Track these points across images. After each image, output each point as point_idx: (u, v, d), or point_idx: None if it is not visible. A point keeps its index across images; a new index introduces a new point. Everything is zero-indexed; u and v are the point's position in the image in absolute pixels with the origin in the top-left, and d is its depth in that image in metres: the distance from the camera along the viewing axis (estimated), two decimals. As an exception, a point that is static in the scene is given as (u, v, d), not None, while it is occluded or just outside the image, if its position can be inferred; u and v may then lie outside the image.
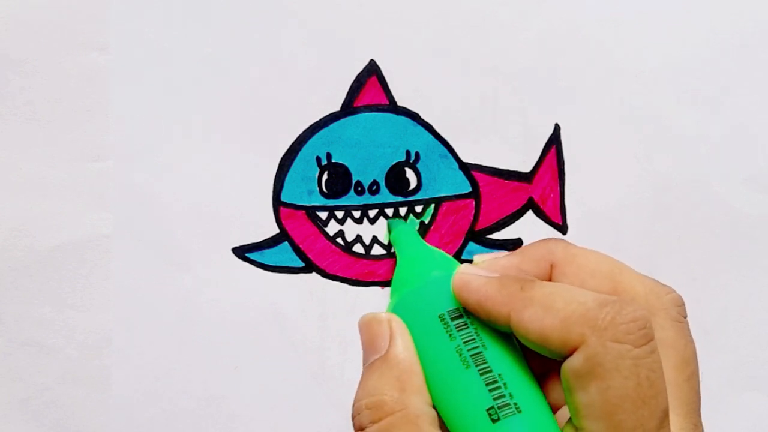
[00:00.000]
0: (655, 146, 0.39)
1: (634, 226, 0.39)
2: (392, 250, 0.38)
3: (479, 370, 0.27)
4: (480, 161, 0.39)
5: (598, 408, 0.24)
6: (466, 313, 0.28)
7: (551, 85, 0.39)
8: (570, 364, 0.24)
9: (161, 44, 0.37)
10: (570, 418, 0.25)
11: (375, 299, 0.38)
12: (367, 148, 0.38)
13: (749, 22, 0.39)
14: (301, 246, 0.38)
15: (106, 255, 0.37)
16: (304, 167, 0.38)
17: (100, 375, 0.37)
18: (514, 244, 0.39)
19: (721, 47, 0.39)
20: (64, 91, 0.37)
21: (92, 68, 0.37)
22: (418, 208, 0.39)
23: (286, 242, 0.38)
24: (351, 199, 0.38)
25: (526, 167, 0.39)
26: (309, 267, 0.38)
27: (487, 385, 0.26)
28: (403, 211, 0.38)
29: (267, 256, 0.38)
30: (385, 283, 0.38)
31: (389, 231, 0.38)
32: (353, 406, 0.27)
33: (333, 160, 0.38)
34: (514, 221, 0.39)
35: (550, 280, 0.30)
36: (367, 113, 0.38)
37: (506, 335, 0.28)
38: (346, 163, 0.38)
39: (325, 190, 0.38)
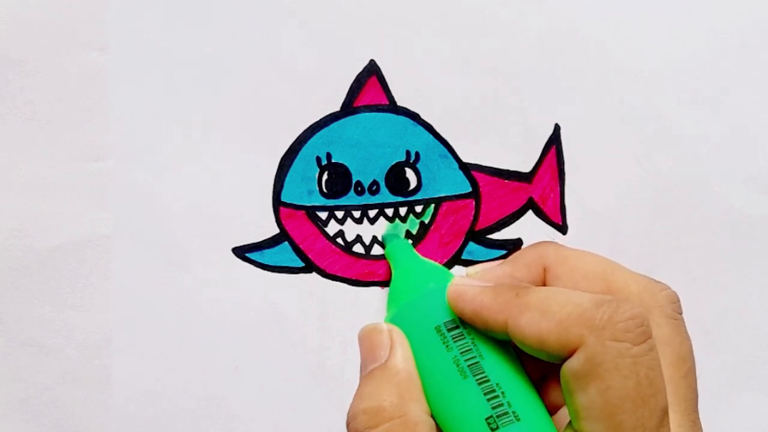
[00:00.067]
0: (655, 146, 0.39)
1: (634, 226, 0.39)
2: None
3: (477, 379, 0.27)
4: (480, 161, 0.39)
5: (599, 409, 0.24)
6: (462, 323, 0.28)
7: (551, 85, 0.39)
8: (569, 366, 0.24)
9: (161, 44, 0.37)
10: (569, 422, 0.25)
11: (375, 299, 0.38)
12: (367, 148, 0.38)
13: (749, 22, 0.39)
14: (301, 246, 0.38)
15: (106, 255, 0.37)
16: (304, 167, 0.38)
17: (100, 375, 0.37)
18: (514, 244, 0.39)
19: (721, 47, 0.39)
20: (64, 91, 0.37)
21: (92, 68, 0.37)
22: (418, 208, 0.39)
23: (286, 242, 0.38)
24: (351, 199, 0.38)
25: (526, 167, 0.39)
26: (309, 267, 0.38)
27: (485, 394, 0.27)
28: (403, 211, 0.38)
29: (267, 256, 0.38)
30: (385, 283, 0.38)
31: (384, 245, 0.38)
32: (348, 412, 0.27)
33: (333, 160, 0.38)
34: (514, 221, 0.39)
35: (544, 284, 0.31)
36: (367, 113, 0.38)
37: (503, 343, 0.28)
38: (346, 163, 0.38)
39: (325, 190, 0.38)
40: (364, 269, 0.38)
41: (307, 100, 0.38)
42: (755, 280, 0.40)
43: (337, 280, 0.38)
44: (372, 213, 0.38)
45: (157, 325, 0.38)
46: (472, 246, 0.39)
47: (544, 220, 0.39)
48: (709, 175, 0.39)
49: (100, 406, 0.37)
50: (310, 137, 0.38)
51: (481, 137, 0.39)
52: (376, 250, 0.38)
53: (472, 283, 0.28)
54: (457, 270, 0.39)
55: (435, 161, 0.38)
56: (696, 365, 0.29)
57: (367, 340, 0.29)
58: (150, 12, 0.37)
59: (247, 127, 0.38)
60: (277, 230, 0.38)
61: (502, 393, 0.27)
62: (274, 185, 0.38)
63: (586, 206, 0.39)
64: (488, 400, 0.26)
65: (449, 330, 0.28)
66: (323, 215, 0.38)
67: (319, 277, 0.38)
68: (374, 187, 0.38)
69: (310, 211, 0.38)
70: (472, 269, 0.33)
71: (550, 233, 0.39)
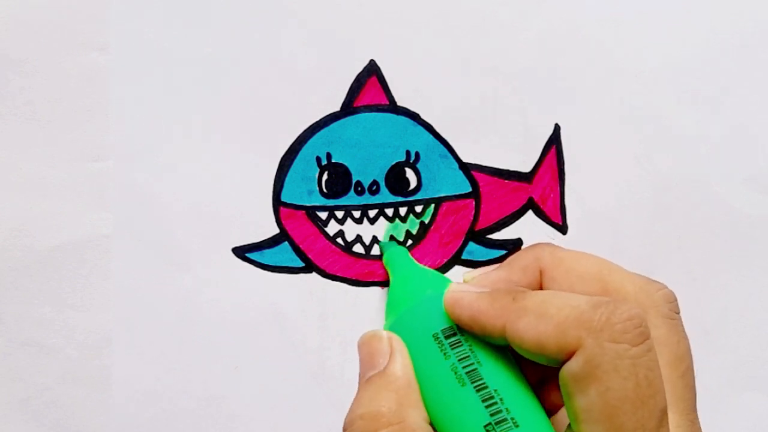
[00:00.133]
0: (655, 146, 0.39)
1: (633, 226, 0.39)
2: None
3: (475, 387, 0.27)
4: (480, 161, 0.39)
5: (598, 411, 0.24)
6: (460, 330, 0.28)
7: (551, 85, 0.39)
8: (568, 369, 0.24)
9: (161, 44, 0.37)
10: (569, 425, 0.25)
11: (375, 299, 0.38)
12: (367, 148, 0.38)
13: (749, 22, 0.39)
14: (301, 246, 0.38)
15: (106, 255, 0.37)
16: (304, 167, 0.38)
17: (100, 375, 0.37)
18: (514, 244, 0.39)
19: (721, 47, 0.39)
20: (64, 91, 0.37)
21: (92, 68, 0.37)
22: (418, 208, 0.39)
23: (286, 242, 0.38)
24: (351, 199, 0.38)
25: (526, 167, 0.39)
26: (309, 267, 0.38)
27: (483, 401, 0.27)
28: (403, 211, 0.38)
29: (267, 256, 0.38)
30: (385, 283, 0.38)
31: (381, 253, 0.38)
32: (346, 418, 0.27)
33: (333, 160, 0.38)
34: (514, 221, 0.39)
35: (541, 287, 0.31)
36: (367, 113, 0.38)
37: (500, 349, 0.28)
38: (346, 163, 0.38)
39: (325, 190, 0.38)
40: (364, 269, 0.38)
41: (307, 100, 0.38)
42: (755, 280, 0.40)
43: (337, 280, 0.38)
44: (372, 213, 0.38)
45: (157, 325, 0.38)
46: (472, 246, 0.39)
47: (544, 220, 0.39)
48: (709, 175, 0.39)
49: (100, 406, 0.37)
50: (310, 137, 0.38)
51: (481, 137, 0.39)
52: (376, 250, 0.38)
53: (469, 289, 0.28)
54: (458, 270, 0.39)
55: (435, 161, 0.38)
56: (696, 365, 0.29)
57: (366, 348, 0.29)
58: (150, 12, 0.37)
59: (247, 127, 0.38)
60: (277, 230, 0.38)
61: (501, 399, 0.26)
62: (274, 185, 0.38)
63: (586, 206, 0.39)
64: (486, 407, 0.26)
65: (447, 337, 0.28)
66: (323, 215, 0.38)
67: (319, 277, 0.38)
68: (374, 187, 0.38)
69: (310, 211, 0.38)
70: (468, 275, 0.33)
71: (550, 233, 0.39)
